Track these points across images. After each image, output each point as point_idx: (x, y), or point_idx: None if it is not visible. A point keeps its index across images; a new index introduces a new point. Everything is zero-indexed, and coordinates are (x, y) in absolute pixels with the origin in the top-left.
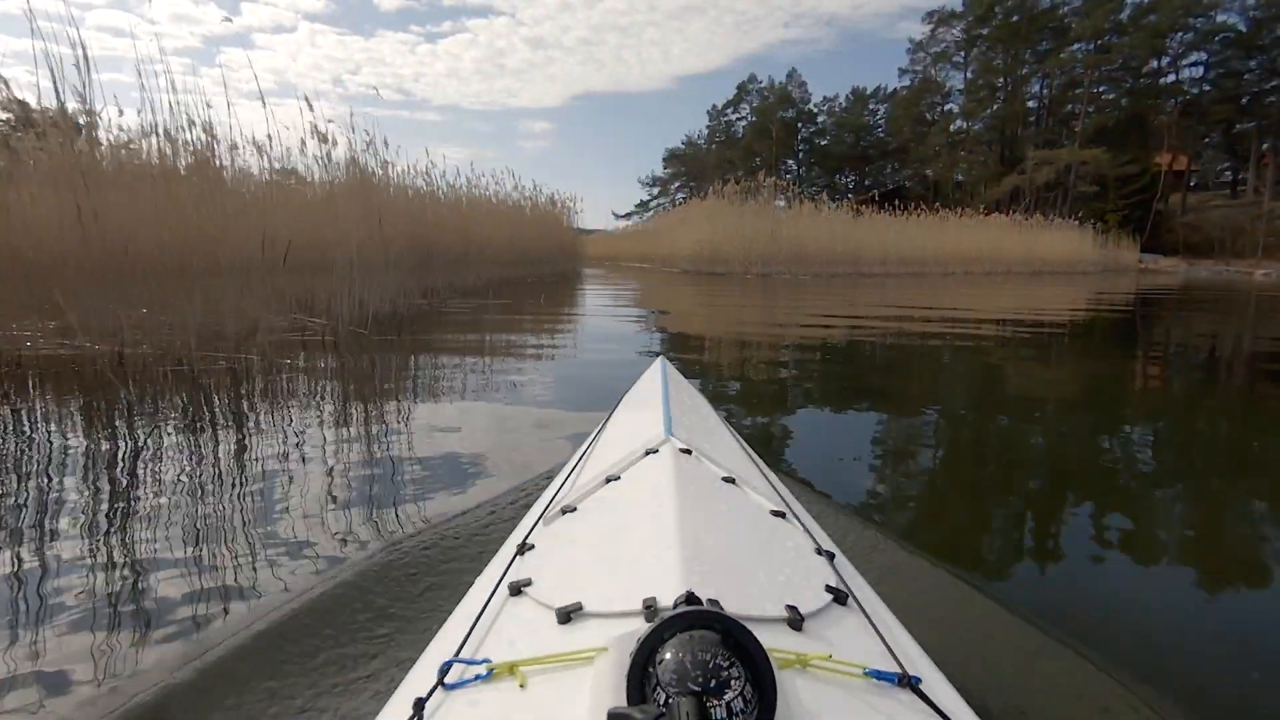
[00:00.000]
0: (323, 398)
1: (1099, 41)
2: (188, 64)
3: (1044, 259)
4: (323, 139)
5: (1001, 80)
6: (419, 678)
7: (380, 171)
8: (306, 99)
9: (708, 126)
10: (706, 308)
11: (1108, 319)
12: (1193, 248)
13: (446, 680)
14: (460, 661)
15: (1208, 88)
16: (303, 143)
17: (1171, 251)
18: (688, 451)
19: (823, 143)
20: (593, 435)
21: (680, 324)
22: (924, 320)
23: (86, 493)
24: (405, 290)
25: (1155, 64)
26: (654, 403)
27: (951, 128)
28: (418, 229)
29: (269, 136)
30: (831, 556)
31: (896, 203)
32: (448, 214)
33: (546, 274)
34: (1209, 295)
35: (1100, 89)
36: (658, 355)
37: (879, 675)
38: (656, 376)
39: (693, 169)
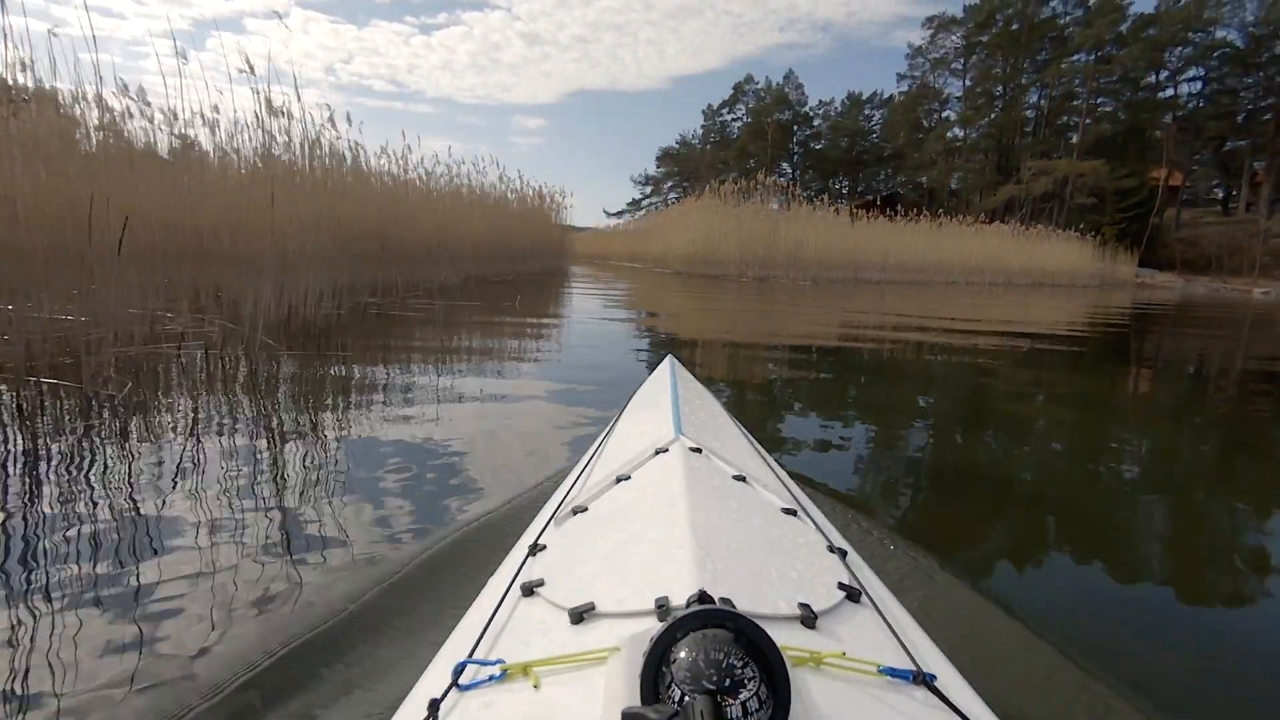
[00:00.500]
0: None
1: (1099, 53)
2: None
3: (1044, 270)
4: (276, 113)
5: (1000, 89)
6: (433, 679)
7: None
8: (246, 57)
9: (702, 126)
10: (701, 312)
11: (1117, 335)
12: (1189, 264)
13: (461, 681)
14: (474, 662)
15: (1203, 103)
16: (257, 117)
17: (1168, 267)
18: (698, 450)
19: (818, 146)
20: (602, 435)
21: (675, 325)
22: (932, 330)
23: None
24: (353, 288)
25: (1154, 77)
26: (663, 401)
27: (948, 135)
28: (368, 212)
29: (215, 107)
30: (844, 554)
31: (898, 208)
32: (419, 200)
33: (530, 272)
34: (1212, 313)
35: (1099, 100)
36: (658, 361)
37: (893, 673)
38: (665, 375)
39: (686, 169)
